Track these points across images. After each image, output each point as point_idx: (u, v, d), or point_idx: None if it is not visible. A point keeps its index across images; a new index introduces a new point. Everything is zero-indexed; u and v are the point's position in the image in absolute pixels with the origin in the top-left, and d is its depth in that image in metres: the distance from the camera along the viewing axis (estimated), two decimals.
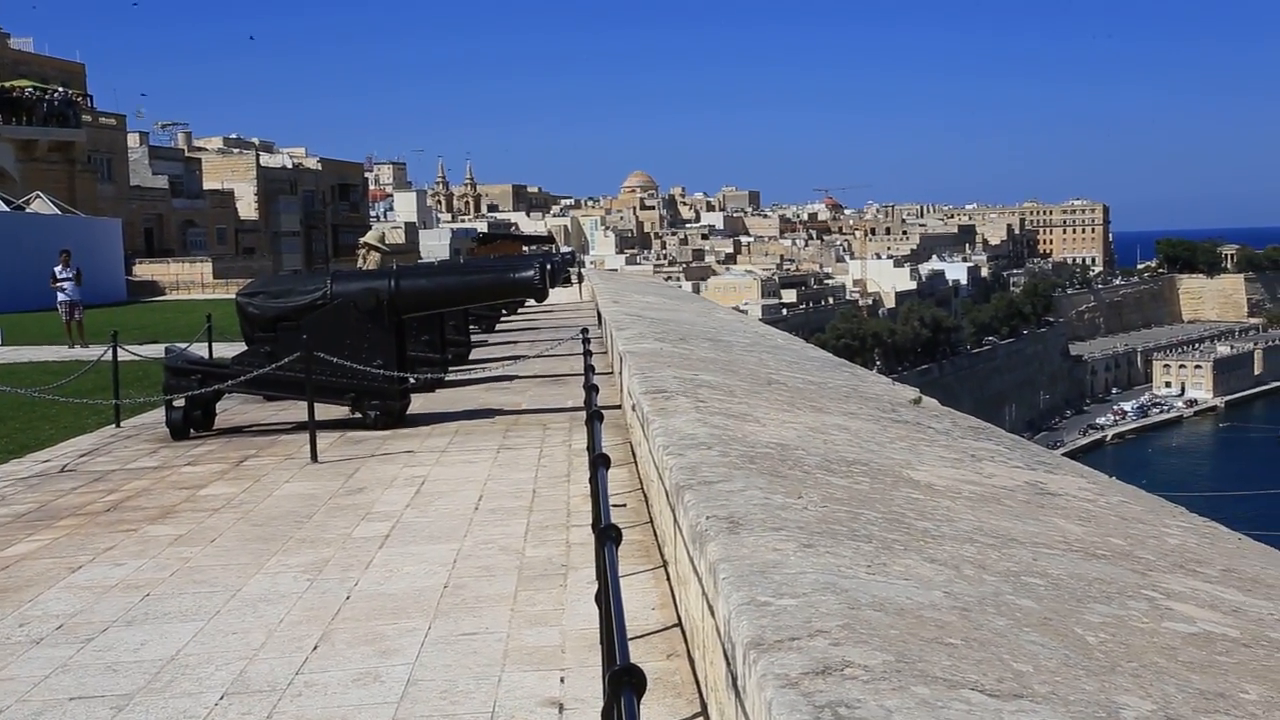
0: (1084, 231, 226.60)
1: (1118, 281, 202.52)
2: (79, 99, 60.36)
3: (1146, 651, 2.61)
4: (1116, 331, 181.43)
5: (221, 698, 4.46)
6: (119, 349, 12.78)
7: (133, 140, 69.32)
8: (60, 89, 58.19)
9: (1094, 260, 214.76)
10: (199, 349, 15.01)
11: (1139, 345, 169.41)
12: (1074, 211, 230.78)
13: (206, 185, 74.05)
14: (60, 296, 24.29)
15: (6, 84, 55.84)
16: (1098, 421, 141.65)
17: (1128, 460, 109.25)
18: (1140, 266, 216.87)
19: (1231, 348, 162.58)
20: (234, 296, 12.78)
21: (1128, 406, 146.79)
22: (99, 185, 59.02)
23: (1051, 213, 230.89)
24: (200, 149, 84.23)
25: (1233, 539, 4.38)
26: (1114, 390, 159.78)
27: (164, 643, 5.14)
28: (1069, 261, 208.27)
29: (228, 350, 14.51)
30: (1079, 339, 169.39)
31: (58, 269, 24.93)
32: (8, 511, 8.19)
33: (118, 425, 12.20)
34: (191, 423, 11.31)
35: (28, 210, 43.67)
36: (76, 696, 4.55)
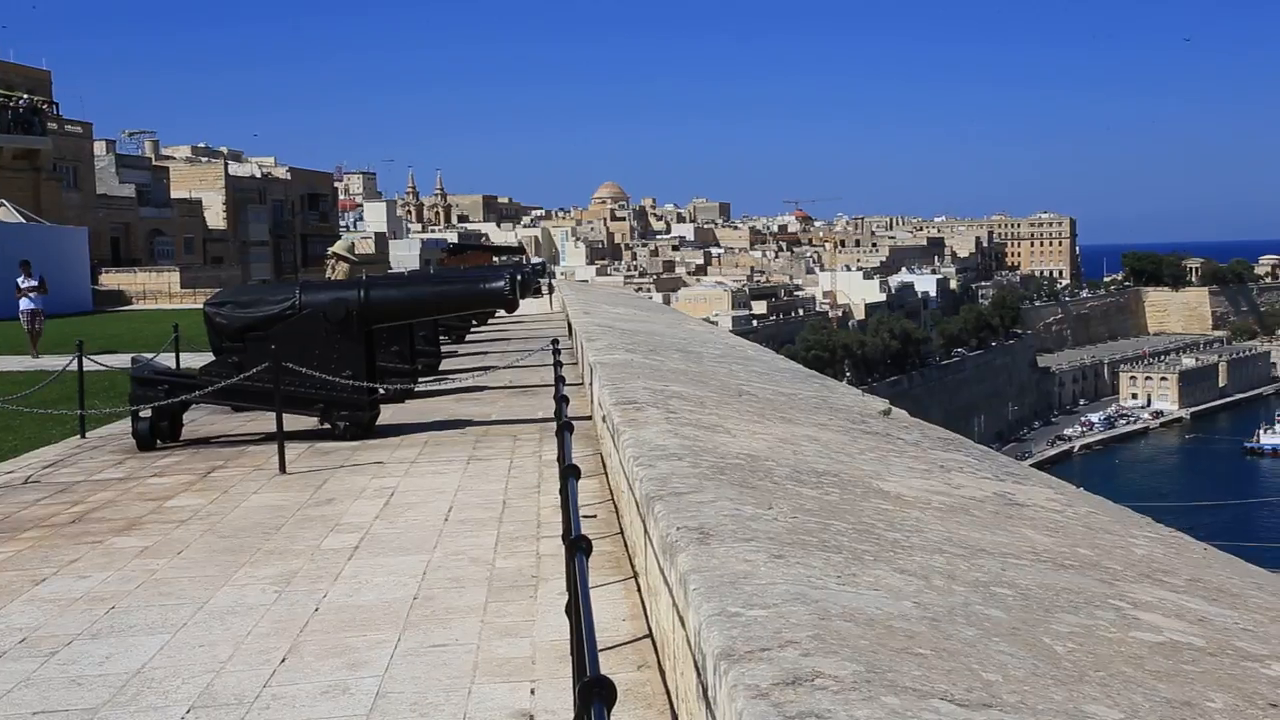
0: (1051, 244, 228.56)
1: (1084, 294, 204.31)
2: (44, 106, 59.84)
3: (1114, 661, 2.63)
4: (1084, 344, 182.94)
5: (188, 711, 4.42)
6: (84, 359, 12.65)
7: (99, 148, 68.79)
8: (25, 96, 57.67)
9: (1061, 273, 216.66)
10: (166, 359, 14.89)
11: (1105, 357, 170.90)
12: (1041, 225, 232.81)
13: (174, 194, 73.50)
14: (23, 304, 24.06)
15: None
16: (1065, 433, 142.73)
17: (1095, 471, 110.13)
18: (1107, 279, 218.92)
19: (1197, 360, 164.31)
20: (202, 306, 12.68)
21: (1095, 418, 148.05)
22: (65, 193, 58.51)
23: (1019, 226, 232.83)
24: (168, 157, 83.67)
25: (1199, 549, 4.43)
26: (1081, 401, 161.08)
27: (130, 656, 5.09)
28: (1036, 274, 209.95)
29: (195, 360, 14.40)
30: (1047, 351, 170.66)
31: (20, 279, 24.71)
32: None
33: (83, 436, 12.08)
34: (158, 433, 11.21)
35: None
36: (40, 711, 4.49)
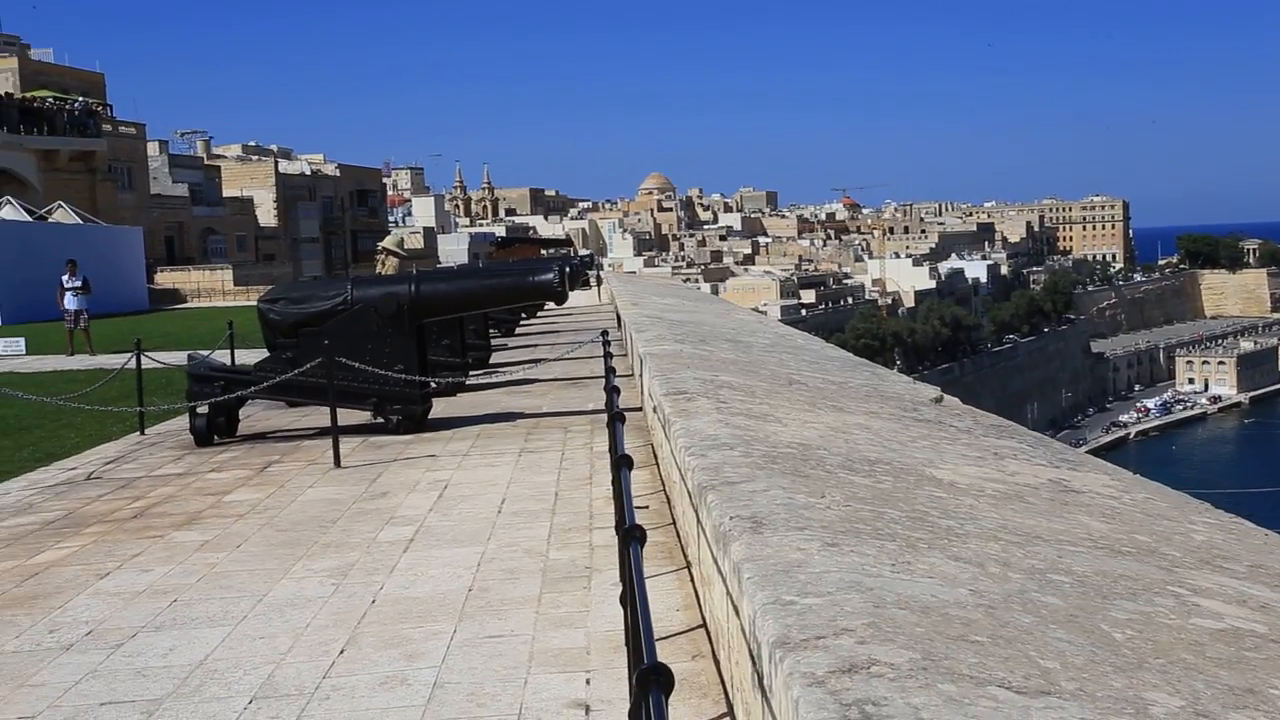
0: (1104, 228, 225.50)
1: (1139, 278, 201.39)
2: (99, 108, 60.79)
3: (1174, 648, 2.61)
4: (1138, 328, 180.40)
5: (250, 702, 4.50)
6: (142, 356, 12.87)
7: (153, 149, 69.76)
8: (80, 99, 58.60)
9: (1114, 257, 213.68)
10: (221, 356, 15.10)
11: (1161, 342, 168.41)
12: (1093, 208, 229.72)
13: (226, 193, 74.44)
14: (68, 302, 24.51)
15: (28, 95, 56.32)
16: (1121, 419, 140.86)
17: (1152, 457, 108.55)
18: (1161, 262, 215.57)
19: (1255, 343, 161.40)
20: (255, 303, 12.85)
21: (1151, 404, 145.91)
22: (120, 194, 59.41)
23: (1071, 209, 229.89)
24: (220, 156, 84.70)
25: (1259, 535, 4.36)
26: (1137, 387, 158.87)
27: (192, 648, 5.18)
28: (1089, 258, 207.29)
29: (250, 357, 14.60)
30: (1100, 336, 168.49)
31: (65, 278, 25.17)
32: (36, 519, 8.26)
33: (142, 432, 12.29)
34: (215, 429, 11.38)
35: (50, 220, 43.99)
36: (107, 702, 4.59)
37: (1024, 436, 6.68)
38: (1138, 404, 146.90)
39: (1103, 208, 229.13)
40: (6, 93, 54.70)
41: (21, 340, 24.59)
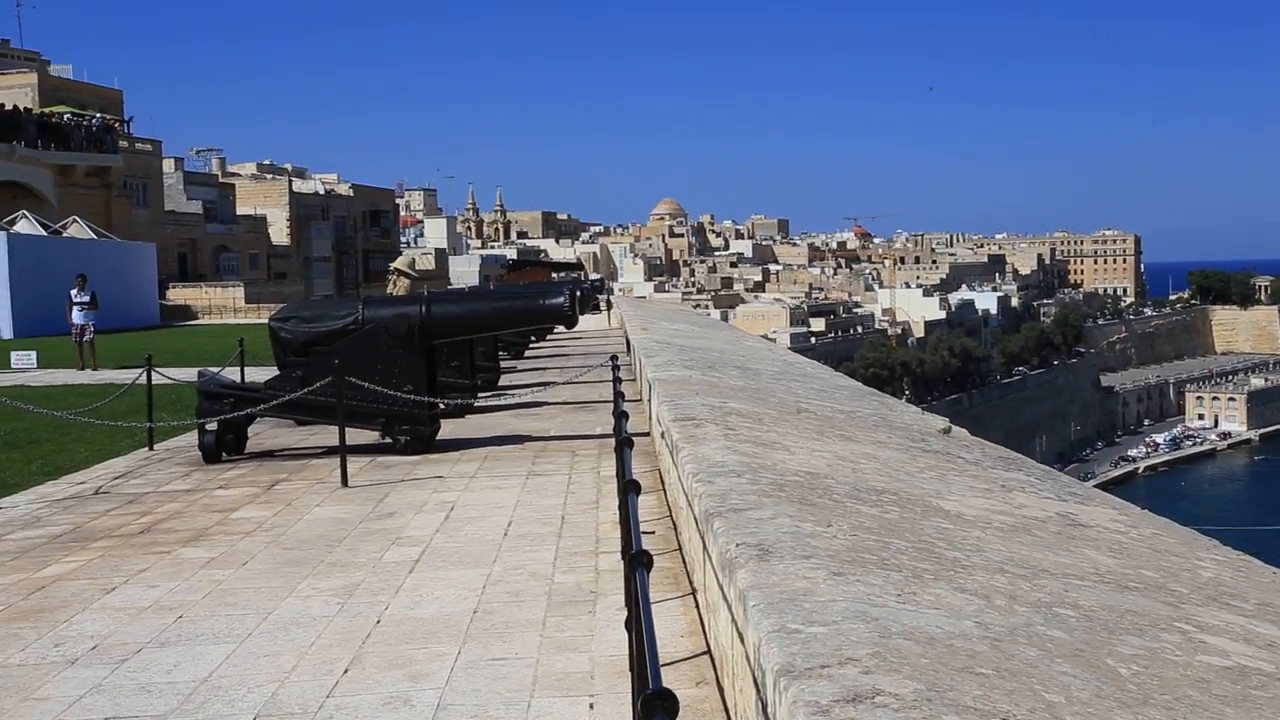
0: (1115, 262, 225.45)
1: (1149, 312, 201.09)
2: (116, 125, 61.21)
3: (1180, 684, 2.61)
4: (1148, 363, 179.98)
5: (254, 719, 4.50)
6: (153, 372, 12.92)
7: (168, 166, 70.19)
8: (98, 115, 59.02)
9: (1125, 291, 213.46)
10: (231, 373, 15.14)
11: (1171, 377, 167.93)
12: (1105, 242, 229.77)
13: (240, 211, 74.83)
14: (75, 317, 24.64)
15: (46, 110, 56.72)
16: (1129, 453, 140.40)
17: (1160, 493, 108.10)
18: (1172, 297, 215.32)
19: (1266, 380, 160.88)
20: (266, 321, 12.89)
21: (1160, 438, 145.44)
22: (134, 210, 59.76)
23: (1082, 243, 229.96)
24: (234, 175, 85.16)
25: (1268, 572, 4.35)
26: (1146, 422, 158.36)
27: (197, 664, 5.19)
28: (1100, 292, 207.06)
29: (260, 374, 14.64)
30: (1110, 370, 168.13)
31: (74, 292, 25.31)
32: (44, 533, 8.28)
33: (151, 448, 12.32)
34: (224, 446, 11.40)
35: (64, 235, 44.24)
36: (111, 717, 4.59)
37: (1032, 469, 6.68)
38: (1147, 439, 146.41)
39: (1114, 241, 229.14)
40: (25, 108, 55.10)
41: (33, 354, 24.70)
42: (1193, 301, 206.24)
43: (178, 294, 52.93)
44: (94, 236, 45.40)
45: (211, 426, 11.33)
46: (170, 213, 66.04)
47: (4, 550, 7.73)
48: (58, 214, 48.33)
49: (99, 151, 55.97)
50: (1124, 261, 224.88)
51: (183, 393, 14.48)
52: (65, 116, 56.33)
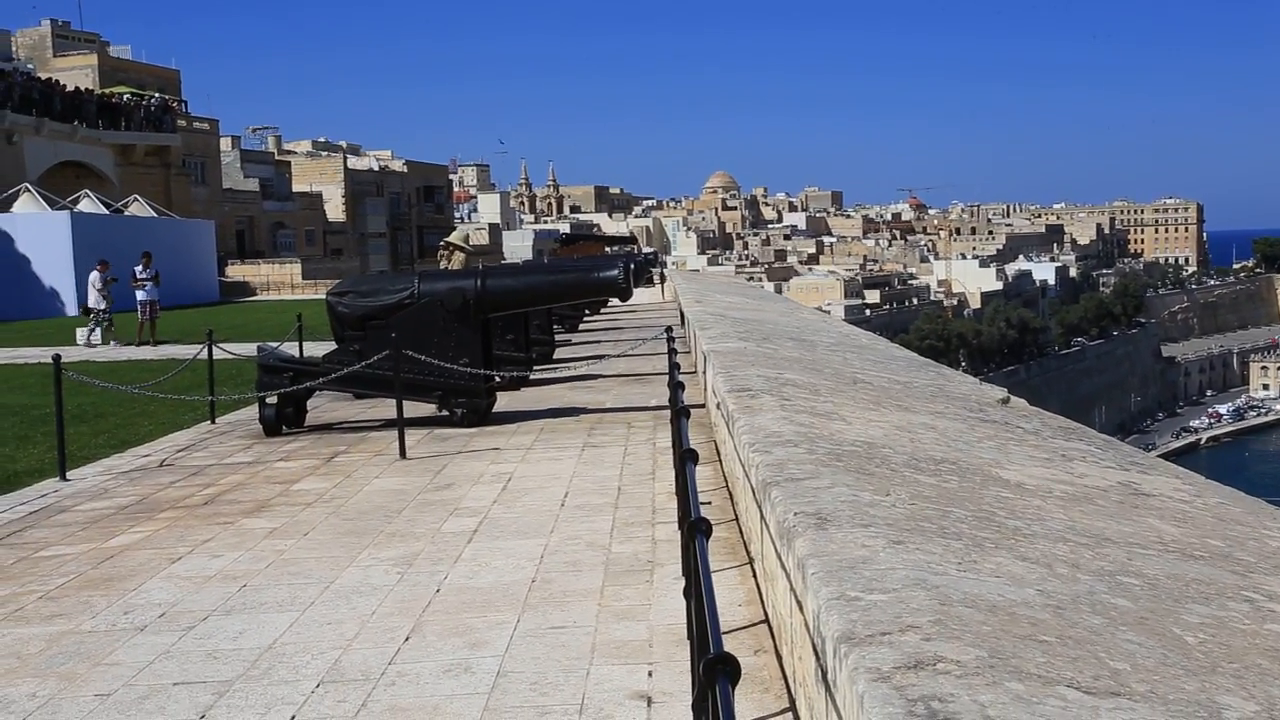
0: (1177, 231, 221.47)
1: (1212, 282, 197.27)
2: (174, 104, 61.96)
3: (1248, 653, 2.57)
4: (1211, 333, 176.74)
5: (317, 686, 4.57)
6: (213, 347, 13.11)
7: (225, 144, 70.96)
8: (156, 95, 59.78)
9: (1187, 260, 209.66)
10: (290, 348, 15.33)
11: (1235, 347, 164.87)
12: (1166, 210, 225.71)
13: (296, 188, 75.52)
14: (139, 295, 25.08)
15: (106, 91, 57.53)
16: (1191, 424, 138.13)
17: (1224, 463, 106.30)
18: (1236, 266, 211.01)
19: None
20: (324, 296, 13.02)
21: (1223, 409, 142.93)
22: (193, 188, 60.54)
23: (1142, 212, 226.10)
24: (290, 152, 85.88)
25: None
26: (1208, 393, 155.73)
27: (261, 632, 5.28)
28: (1161, 261, 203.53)
29: (318, 349, 14.81)
30: (1171, 340, 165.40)
31: (138, 269, 25.75)
32: (111, 504, 8.46)
33: (213, 421, 12.52)
34: (284, 419, 11.56)
35: (126, 213, 44.93)
36: (180, 682, 4.69)
37: (1092, 439, 6.59)
38: (1209, 409, 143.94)
39: (1175, 210, 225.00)
40: (86, 89, 55.91)
41: (98, 330, 25.16)
42: (1257, 270, 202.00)
43: (236, 271, 53.58)
44: (154, 215, 46.05)
45: (271, 400, 11.50)
46: (228, 190, 66.80)
47: (74, 520, 7.91)
48: (119, 193, 49.09)
49: (158, 131, 56.70)
50: (1186, 230, 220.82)
51: (243, 367, 14.69)
52: (124, 97, 57.12)
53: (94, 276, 26.15)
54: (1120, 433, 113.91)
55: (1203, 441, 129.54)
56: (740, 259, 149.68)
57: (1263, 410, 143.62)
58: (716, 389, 7.68)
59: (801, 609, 3.07)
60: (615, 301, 22.72)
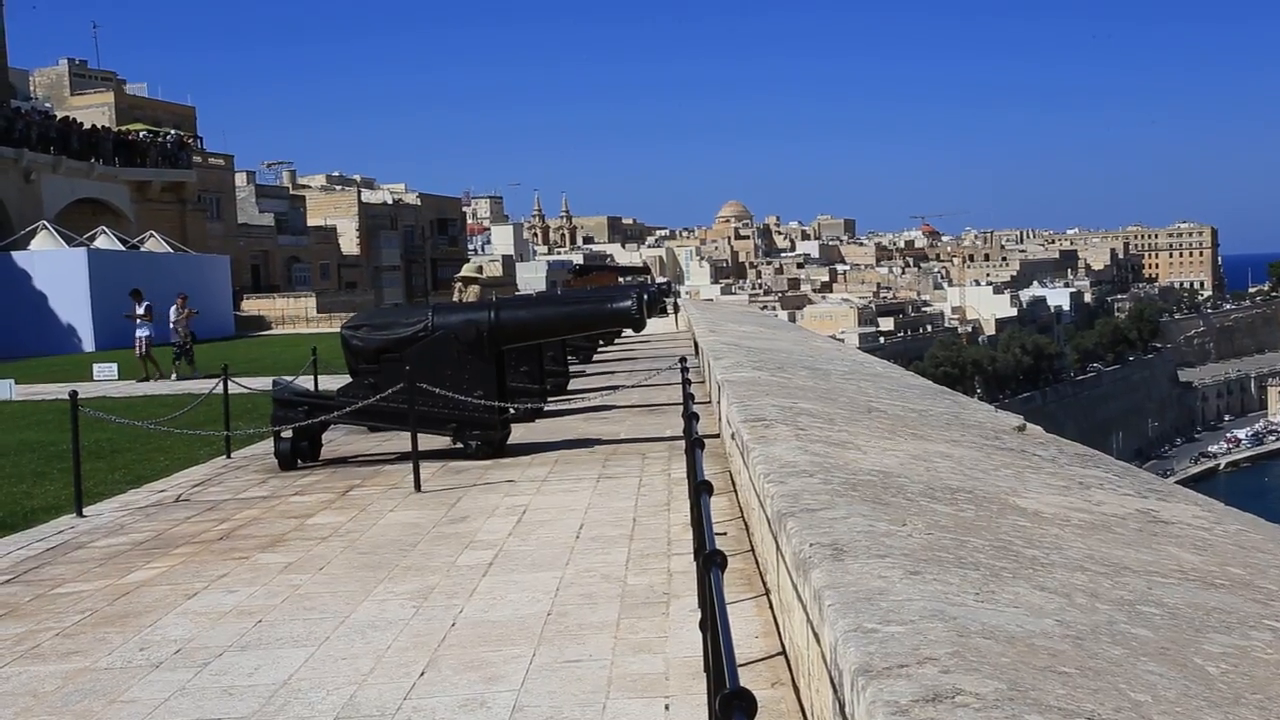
0: (1191, 255, 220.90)
1: (1228, 306, 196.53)
2: (190, 141, 62.50)
3: (1272, 683, 2.54)
4: (1228, 357, 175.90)
5: None
6: (228, 382, 13.15)
7: (240, 180, 71.48)
8: (172, 131, 60.32)
9: (1202, 284, 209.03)
10: (305, 381, 15.37)
11: (1252, 371, 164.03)
12: (1180, 234, 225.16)
13: (310, 222, 75.95)
14: (138, 331, 25.32)
15: (123, 128, 58.08)
16: (1210, 449, 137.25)
17: (1243, 489, 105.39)
18: (1252, 290, 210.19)
19: None
20: (338, 330, 13.06)
21: (1241, 434, 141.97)
22: (208, 224, 60.92)
23: (1157, 236, 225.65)
24: (304, 187, 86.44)
25: None
26: (1226, 417, 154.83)
27: (276, 668, 5.27)
28: (1176, 286, 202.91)
29: (333, 382, 14.85)
30: (1188, 365, 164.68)
31: (136, 308, 26.01)
32: (127, 540, 8.47)
33: (228, 456, 12.54)
34: (299, 453, 11.57)
35: (142, 249, 45.23)
36: (196, 719, 4.67)
37: (1110, 466, 6.55)
38: (1228, 434, 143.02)
39: (1190, 234, 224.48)
40: (103, 126, 56.44)
41: (114, 365, 25.30)
42: (1273, 294, 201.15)
43: (252, 305, 53.84)
44: (170, 250, 46.34)
45: (287, 434, 11.51)
46: (243, 225, 67.21)
47: (90, 557, 7.92)
48: (135, 229, 49.41)
49: (173, 167, 57.12)
50: (1200, 254, 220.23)
51: (258, 402, 14.73)
52: (141, 134, 57.63)
53: (172, 310, 26.32)
54: (1139, 459, 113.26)
55: (1221, 466, 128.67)
56: (753, 288, 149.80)
57: None
58: (731, 419, 7.66)
59: (818, 641, 3.05)
60: (629, 332, 22.76)
